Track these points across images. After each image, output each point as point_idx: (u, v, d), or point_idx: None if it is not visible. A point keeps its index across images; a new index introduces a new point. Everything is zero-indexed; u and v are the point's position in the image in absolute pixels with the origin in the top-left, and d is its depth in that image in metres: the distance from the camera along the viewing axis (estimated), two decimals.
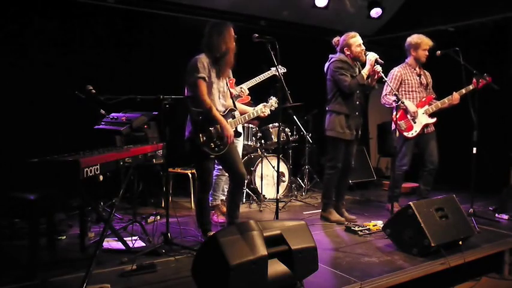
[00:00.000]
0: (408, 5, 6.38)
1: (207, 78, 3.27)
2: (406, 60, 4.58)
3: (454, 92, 4.41)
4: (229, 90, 3.56)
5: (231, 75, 3.72)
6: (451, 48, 4.22)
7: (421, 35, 4.49)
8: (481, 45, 6.02)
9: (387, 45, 6.63)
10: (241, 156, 4.45)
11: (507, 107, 5.70)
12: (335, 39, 4.18)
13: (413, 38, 4.48)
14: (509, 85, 5.21)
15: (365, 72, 3.92)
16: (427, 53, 4.45)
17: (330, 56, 4.15)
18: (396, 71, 4.54)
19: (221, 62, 3.32)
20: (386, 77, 4.08)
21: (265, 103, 3.76)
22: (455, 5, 5.69)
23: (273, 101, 3.76)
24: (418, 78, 4.53)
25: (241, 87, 4.26)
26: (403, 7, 6.45)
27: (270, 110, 3.78)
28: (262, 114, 3.73)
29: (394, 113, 4.12)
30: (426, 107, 4.49)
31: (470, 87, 4.34)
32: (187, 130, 3.36)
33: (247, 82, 4.37)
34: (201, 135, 3.24)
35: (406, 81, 4.50)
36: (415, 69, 4.54)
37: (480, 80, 4.28)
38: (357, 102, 4.08)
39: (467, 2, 5.66)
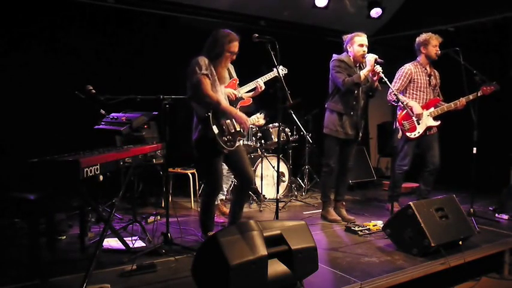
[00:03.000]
0: (408, 5, 6.39)
1: (210, 76, 3.26)
2: (418, 59, 4.54)
3: (462, 98, 4.38)
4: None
5: (235, 75, 3.70)
6: (451, 48, 4.22)
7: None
8: (481, 45, 6.01)
9: (387, 45, 6.63)
10: None
11: (507, 107, 5.70)
12: (345, 36, 4.18)
13: (422, 36, 4.49)
14: (509, 85, 5.21)
15: (364, 72, 3.91)
16: (437, 49, 4.41)
17: (333, 55, 4.16)
18: (407, 68, 4.50)
19: (215, 65, 3.31)
20: (386, 77, 4.07)
21: (257, 114, 3.80)
22: (455, 5, 5.69)
23: (261, 116, 3.81)
24: (427, 78, 4.50)
25: (257, 81, 4.25)
26: (403, 7, 6.45)
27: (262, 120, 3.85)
28: (257, 123, 3.78)
29: (399, 113, 4.10)
30: (432, 109, 4.47)
31: (477, 94, 4.24)
32: (195, 132, 3.32)
33: (250, 84, 4.35)
34: (214, 127, 3.23)
35: (416, 80, 4.47)
36: (425, 69, 4.51)
37: (489, 88, 4.27)
38: (354, 103, 4.06)
39: (467, 2, 5.66)
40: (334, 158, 4.13)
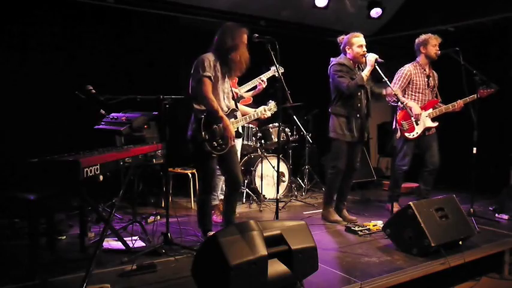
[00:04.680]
0: (408, 5, 6.38)
1: (212, 78, 3.24)
2: (417, 59, 4.54)
3: (459, 100, 4.39)
4: (232, 91, 3.54)
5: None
6: (451, 48, 4.22)
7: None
8: (481, 46, 6.01)
9: (387, 45, 6.63)
10: (240, 156, 4.45)
11: (507, 107, 5.70)
12: (339, 38, 4.16)
13: (422, 36, 4.49)
14: (509, 85, 5.21)
15: (365, 73, 3.90)
16: (437, 49, 4.41)
17: (331, 59, 4.14)
18: (406, 69, 4.51)
19: (227, 62, 3.29)
20: (387, 76, 4.07)
21: (265, 106, 3.77)
22: (455, 5, 5.69)
23: (272, 104, 3.77)
24: (426, 79, 4.49)
25: (259, 78, 4.25)
26: (403, 7, 6.44)
27: (270, 112, 3.79)
28: (262, 116, 3.75)
29: (398, 113, 4.08)
30: (430, 110, 4.47)
31: (475, 96, 4.26)
32: (190, 130, 3.34)
33: (249, 82, 4.36)
34: (203, 132, 3.22)
35: (415, 81, 4.47)
36: (424, 70, 4.51)
37: (486, 91, 4.27)
38: (359, 105, 4.04)
39: (467, 2, 5.66)
40: (342, 160, 4.10)
